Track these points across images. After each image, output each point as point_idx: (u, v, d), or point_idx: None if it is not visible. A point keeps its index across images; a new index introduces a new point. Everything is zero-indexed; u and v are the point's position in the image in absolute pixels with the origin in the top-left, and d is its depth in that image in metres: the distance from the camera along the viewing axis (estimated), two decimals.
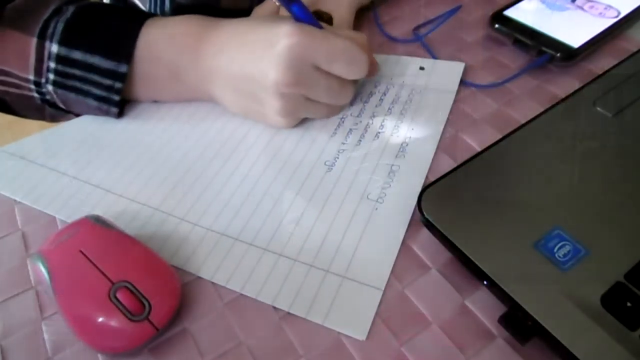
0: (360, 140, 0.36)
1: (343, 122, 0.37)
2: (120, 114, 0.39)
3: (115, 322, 0.25)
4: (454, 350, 0.25)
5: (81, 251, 0.27)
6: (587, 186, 0.29)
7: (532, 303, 0.24)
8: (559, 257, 0.26)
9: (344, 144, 0.36)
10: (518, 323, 0.24)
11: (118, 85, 0.35)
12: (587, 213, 0.28)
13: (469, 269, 0.27)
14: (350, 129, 0.37)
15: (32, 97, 0.37)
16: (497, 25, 0.42)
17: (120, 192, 0.34)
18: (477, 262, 0.26)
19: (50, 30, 0.35)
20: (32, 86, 0.36)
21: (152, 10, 0.48)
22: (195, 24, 0.36)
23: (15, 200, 0.34)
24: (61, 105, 0.38)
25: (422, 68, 0.41)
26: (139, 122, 0.39)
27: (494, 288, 0.25)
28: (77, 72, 0.35)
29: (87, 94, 0.36)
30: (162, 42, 0.35)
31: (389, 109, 0.38)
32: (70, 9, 0.35)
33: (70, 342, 0.27)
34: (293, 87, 0.32)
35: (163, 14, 0.47)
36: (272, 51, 0.31)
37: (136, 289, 0.25)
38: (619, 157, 0.30)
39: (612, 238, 0.26)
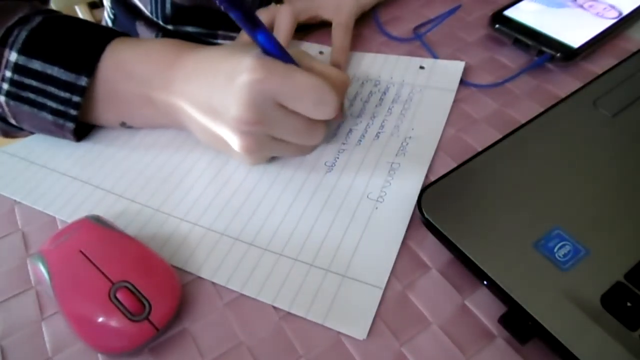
0: (360, 140, 0.36)
1: (343, 121, 0.37)
2: (80, 136, 0.37)
3: (116, 322, 0.25)
4: (454, 350, 0.25)
5: (81, 251, 0.27)
6: (587, 186, 0.29)
7: (532, 303, 0.24)
8: (559, 257, 0.26)
9: (344, 144, 0.36)
10: (518, 323, 0.24)
11: (76, 98, 0.33)
12: (587, 213, 0.28)
13: (469, 269, 0.27)
14: (351, 129, 0.37)
15: None
16: (497, 25, 0.42)
17: (120, 193, 0.34)
18: (477, 262, 0.26)
19: (12, 39, 0.33)
20: None
21: (154, 12, 0.48)
22: (170, 47, 0.34)
23: (15, 200, 0.34)
24: (11, 120, 0.36)
25: (422, 67, 0.41)
26: None
27: (494, 288, 0.25)
28: (33, 82, 0.33)
29: (42, 107, 0.33)
30: (132, 61, 0.33)
31: (389, 108, 0.38)
32: (37, 19, 0.33)
33: (70, 342, 0.27)
34: (254, 126, 0.29)
35: (164, 15, 0.47)
36: (233, 86, 0.28)
37: (136, 289, 0.25)
38: (619, 157, 0.30)
39: (612, 238, 0.26)
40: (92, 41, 0.33)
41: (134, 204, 0.33)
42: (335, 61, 0.41)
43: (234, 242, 0.30)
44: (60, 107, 0.33)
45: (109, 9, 0.56)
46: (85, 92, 0.33)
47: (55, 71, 0.32)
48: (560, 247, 0.26)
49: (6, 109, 0.35)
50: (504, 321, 0.25)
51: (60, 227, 0.33)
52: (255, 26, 0.28)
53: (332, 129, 0.36)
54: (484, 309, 0.27)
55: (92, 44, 0.33)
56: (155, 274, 0.27)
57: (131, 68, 0.33)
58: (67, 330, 0.27)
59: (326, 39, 0.45)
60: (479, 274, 0.26)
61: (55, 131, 0.35)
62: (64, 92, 0.33)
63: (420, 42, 0.44)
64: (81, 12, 0.97)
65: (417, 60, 0.41)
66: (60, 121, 0.34)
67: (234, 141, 0.30)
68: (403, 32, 0.45)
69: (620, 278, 0.25)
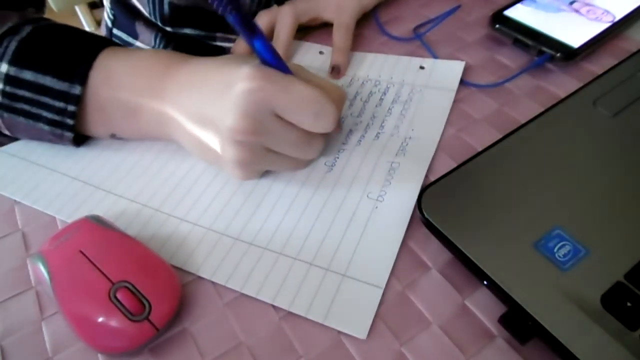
0: (360, 140, 0.36)
1: (343, 122, 0.37)
2: (79, 143, 0.36)
3: (116, 322, 0.25)
4: (454, 350, 0.25)
5: (81, 251, 0.27)
6: (587, 186, 0.29)
7: (532, 303, 0.24)
8: (559, 257, 0.26)
9: (344, 144, 0.36)
10: (518, 323, 0.24)
11: (71, 107, 0.32)
12: (587, 213, 0.28)
13: (469, 269, 0.27)
14: (351, 129, 0.37)
15: None
16: (497, 25, 0.42)
17: (120, 193, 0.34)
18: (477, 262, 0.26)
19: (1, 50, 0.32)
20: None
21: (152, 13, 0.48)
22: (161, 58, 0.33)
23: (15, 200, 0.34)
24: (6, 132, 0.36)
25: (422, 67, 0.41)
26: None
27: (494, 288, 0.25)
28: (26, 94, 0.32)
29: (38, 118, 0.33)
30: (122, 73, 0.33)
31: (389, 109, 0.38)
32: (27, 29, 0.33)
33: (70, 342, 0.27)
34: (250, 136, 0.28)
35: (162, 16, 0.47)
36: (230, 94, 0.28)
37: (136, 289, 0.25)
38: (619, 157, 0.30)
39: (612, 238, 0.26)
40: (84, 50, 0.33)
41: (133, 204, 0.33)
42: (336, 62, 0.41)
43: (234, 242, 0.30)
44: (56, 117, 0.33)
45: (108, 9, 0.56)
46: (79, 100, 0.32)
47: (48, 81, 0.32)
48: (560, 247, 0.26)
49: (0, 121, 0.34)
50: (504, 321, 0.25)
51: (60, 227, 0.33)
52: (252, 32, 0.27)
53: (331, 141, 0.36)
54: (484, 309, 0.27)
55: (83, 53, 0.33)
56: (155, 274, 0.27)
57: (120, 79, 0.33)
58: (67, 330, 0.27)
59: (326, 39, 0.45)
60: (479, 274, 0.26)
61: (54, 140, 0.35)
62: (59, 101, 0.32)
63: (421, 42, 0.44)
64: (81, 12, 0.97)
65: (417, 61, 0.41)
66: (58, 131, 0.34)
67: (228, 152, 0.29)
68: (403, 32, 0.45)
69: (620, 278, 0.25)
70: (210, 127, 0.29)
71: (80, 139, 0.37)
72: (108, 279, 0.26)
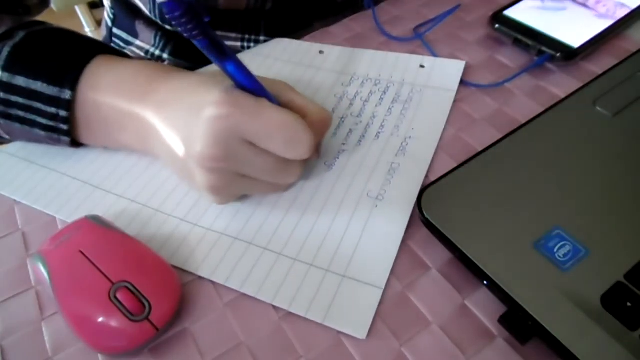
0: (360, 140, 0.36)
1: (343, 122, 0.37)
2: (78, 145, 0.36)
3: (116, 322, 0.25)
4: (454, 350, 0.25)
5: (81, 251, 0.27)
6: (587, 186, 0.29)
7: (532, 303, 0.24)
8: (559, 257, 0.26)
9: (344, 144, 0.36)
10: (518, 323, 0.24)
11: (63, 113, 0.32)
12: (587, 213, 0.28)
13: (469, 269, 0.27)
14: (350, 129, 0.37)
15: None
16: (497, 25, 0.42)
17: (120, 193, 0.34)
18: (477, 262, 0.26)
19: None
20: None
21: (152, 11, 0.48)
22: (147, 71, 0.32)
23: (15, 200, 0.34)
24: (5, 137, 0.36)
25: (422, 66, 0.41)
26: None
27: (494, 288, 0.25)
28: (20, 100, 0.32)
29: (32, 123, 0.33)
30: (108, 84, 0.32)
31: (389, 108, 0.38)
32: (20, 34, 0.33)
33: (70, 342, 0.27)
34: (220, 163, 0.27)
35: (162, 15, 0.47)
36: (199, 120, 0.27)
37: (136, 289, 0.25)
38: (619, 157, 0.30)
39: (612, 238, 0.26)
40: (76, 55, 0.33)
41: (133, 204, 0.33)
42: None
43: (234, 242, 0.30)
44: (50, 123, 0.32)
45: (109, 9, 0.56)
46: (70, 105, 0.32)
47: (38, 86, 0.31)
48: (560, 247, 0.26)
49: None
50: (504, 321, 0.25)
51: (60, 227, 0.33)
52: (223, 55, 0.25)
53: (310, 164, 0.34)
54: (484, 309, 0.27)
55: (75, 58, 0.32)
56: (155, 274, 0.27)
57: (105, 90, 0.32)
58: (67, 330, 0.27)
59: (326, 39, 0.45)
60: (479, 274, 0.26)
61: (53, 144, 0.35)
62: (50, 107, 0.32)
63: (421, 41, 0.44)
64: (81, 13, 0.97)
65: (418, 59, 0.41)
66: (55, 136, 0.33)
67: (199, 178, 0.28)
68: (403, 32, 0.45)
69: (620, 278, 0.25)
70: (182, 150, 0.28)
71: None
72: (108, 279, 0.26)
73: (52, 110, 0.32)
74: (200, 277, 0.29)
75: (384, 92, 0.39)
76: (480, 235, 0.27)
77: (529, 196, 0.29)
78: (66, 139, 0.34)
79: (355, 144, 0.35)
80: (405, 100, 0.38)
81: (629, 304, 0.24)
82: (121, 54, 0.35)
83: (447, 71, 0.40)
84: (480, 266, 0.26)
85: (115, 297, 0.25)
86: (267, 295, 0.28)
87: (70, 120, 0.33)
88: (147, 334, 0.25)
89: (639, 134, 0.32)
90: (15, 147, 0.38)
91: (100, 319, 0.25)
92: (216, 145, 0.26)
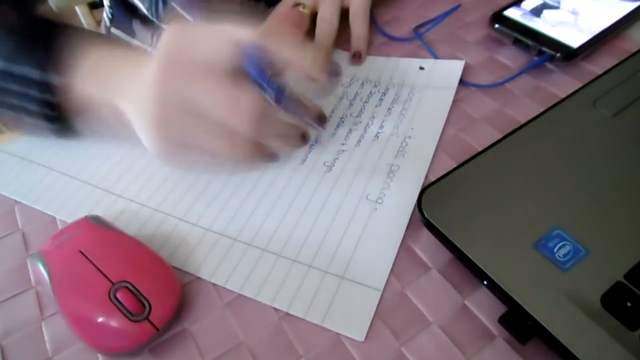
0: (360, 141, 0.36)
1: (343, 122, 0.37)
2: (67, 135, 0.36)
3: (116, 322, 0.25)
4: (454, 350, 0.25)
5: (81, 251, 0.27)
6: (587, 186, 0.29)
7: (532, 303, 0.24)
8: (559, 257, 0.26)
9: (343, 144, 0.36)
10: (518, 323, 0.24)
11: (50, 97, 0.32)
12: (587, 213, 0.28)
13: (469, 269, 0.27)
14: (350, 129, 0.37)
15: None
16: (497, 25, 0.42)
17: (119, 193, 0.34)
18: (477, 262, 0.26)
19: None
20: None
21: (149, 9, 0.48)
22: (117, 52, 0.32)
23: (15, 200, 0.34)
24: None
25: (421, 68, 0.41)
26: None
27: (494, 288, 0.25)
28: (14, 87, 0.32)
29: (21, 110, 0.33)
30: (85, 79, 0.32)
31: (388, 109, 0.38)
32: (18, 22, 0.33)
33: (70, 342, 0.27)
34: (163, 127, 0.27)
35: (158, 14, 0.48)
36: (145, 88, 0.27)
37: (136, 289, 0.25)
38: (619, 157, 0.30)
39: (612, 238, 0.26)
40: (64, 41, 0.32)
41: (133, 204, 0.33)
42: (357, 48, 0.42)
43: (233, 243, 0.30)
44: (38, 110, 0.32)
45: (107, 8, 0.56)
46: (57, 91, 0.31)
47: (31, 72, 0.31)
48: (560, 247, 0.26)
49: None
50: (504, 321, 0.25)
51: (60, 227, 0.33)
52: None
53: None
54: (484, 309, 0.27)
55: (66, 44, 0.32)
56: (155, 274, 0.27)
57: (83, 86, 0.32)
58: (67, 330, 0.27)
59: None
60: (479, 274, 0.26)
61: (39, 132, 0.34)
62: (40, 92, 0.32)
63: (421, 41, 0.44)
64: (81, 13, 0.97)
65: (417, 62, 0.41)
66: (43, 124, 0.33)
67: (146, 143, 0.29)
68: (403, 32, 0.45)
69: (620, 278, 0.25)
70: (131, 115, 0.29)
71: (71, 132, 0.36)
72: (108, 279, 0.26)
73: (40, 95, 0.32)
74: (199, 277, 0.29)
75: (384, 93, 0.39)
76: (480, 235, 0.27)
77: (529, 196, 0.29)
78: (49, 125, 0.33)
79: (354, 144, 0.35)
80: (404, 100, 0.38)
81: (629, 304, 0.24)
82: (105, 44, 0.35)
83: (447, 71, 0.40)
84: (480, 266, 0.26)
85: (115, 297, 0.25)
86: (267, 297, 0.28)
87: (58, 107, 0.32)
88: (147, 334, 0.25)
89: (639, 134, 0.32)
90: (15, 147, 0.38)
91: (100, 319, 0.25)
92: (155, 111, 0.27)
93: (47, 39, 0.33)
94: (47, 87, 0.32)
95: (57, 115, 0.33)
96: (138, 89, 0.28)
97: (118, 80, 0.31)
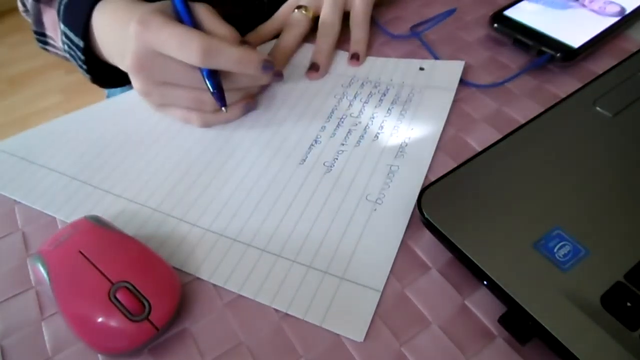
0: (360, 141, 0.36)
1: (342, 122, 0.37)
2: (111, 84, 0.44)
3: (116, 322, 0.25)
4: (454, 350, 0.25)
5: (80, 252, 0.27)
6: (587, 186, 0.29)
7: (532, 303, 0.24)
8: (559, 257, 0.26)
9: (343, 144, 0.36)
10: (518, 323, 0.24)
11: (84, 58, 0.40)
12: (587, 213, 0.28)
13: (469, 269, 0.27)
14: (350, 130, 0.37)
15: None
16: (497, 25, 0.42)
17: (119, 193, 0.34)
18: (477, 262, 0.26)
19: (58, 8, 0.40)
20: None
21: None
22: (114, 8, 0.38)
23: (15, 200, 0.35)
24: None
25: (421, 69, 0.41)
26: (139, 122, 0.39)
27: (494, 288, 0.25)
28: (71, 45, 0.40)
29: (79, 66, 0.42)
30: (99, 30, 0.38)
31: (388, 109, 0.38)
32: None
33: (70, 342, 0.27)
34: (141, 71, 0.34)
35: None
36: (128, 36, 0.33)
37: (136, 289, 0.25)
38: (618, 157, 0.30)
39: (612, 238, 0.26)
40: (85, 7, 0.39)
41: (132, 204, 0.33)
42: (355, 50, 0.42)
43: (233, 243, 0.30)
44: (82, 65, 0.41)
45: None
46: (83, 51, 0.39)
47: (73, 37, 0.39)
48: (560, 247, 0.26)
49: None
50: (504, 321, 0.25)
51: (60, 227, 0.33)
52: None
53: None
54: (484, 309, 0.27)
55: (84, 9, 0.38)
56: (155, 274, 0.27)
57: (99, 35, 0.39)
58: (67, 330, 0.27)
59: None
60: (479, 274, 0.26)
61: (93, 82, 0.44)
62: (81, 53, 0.39)
63: (420, 41, 0.44)
64: None
65: (417, 62, 0.41)
66: (88, 76, 0.42)
67: (133, 83, 0.36)
68: (404, 32, 0.45)
69: (620, 278, 0.25)
70: (122, 63, 0.36)
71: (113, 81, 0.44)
72: (108, 279, 0.26)
73: (79, 54, 0.40)
74: (199, 278, 0.29)
75: (384, 94, 0.39)
76: (480, 235, 0.27)
77: (529, 196, 0.29)
78: (89, 76, 0.42)
79: (354, 145, 0.35)
80: (404, 101, 0.38)
81: (629, 304, 0.24)
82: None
83: (447, 72, 0.40)
84: (480, 266, 0.26)
85: (115, 297, 0.25)
86: (266, 298, 0.28)
87: (86, 62, 0.40)
88: (147, 334, 0.25)
89: (639, 134, 0.32)
90: (14, 146, 0.38)
91: (100, 319, 0.25)
92: (135, 57, 0.33)
93: (80, 3, 0.39)
94: (80, 50, 0.39)
95: (95, 73, 0.42)
96: (120, 41, 0.35)
97: (111, 46, 0.38)
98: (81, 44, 0.38)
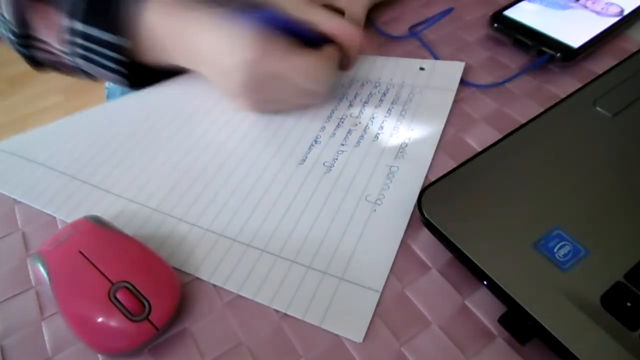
0: (360, 141, 0.36)
1: (342, 122, 0.37)
2: (140, 83, 0.41)
3: (116, 322, 0.25)
4: (454, 350, 0.25)
5: (80, 252, 0.27)
6: (587, 186, 0.29)
7: (532, 303, 0.24)
8: (559, 257, 0.26)
9: (343, 144, 0.36)
10: (518, 323, 0.24)
11: (123, 58, 0.37)
12: (587, 213, 0.28)
13: (469, 269, 0.27)
14: (350, 130, 0.37)
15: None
16: (497, 25, 0.42)
17: (119, 192, 0.34)
18: (477, 262, 0.26)
19: (74, 8, 0.37)
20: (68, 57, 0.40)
21: None
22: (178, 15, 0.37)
23: (15, 200, 0.34)
24: (92, 77, 0.42)
25: (422, 69, 0.41)
26: (139, 122, 0.39)
27: (494, 288, 0.25)
28: (95, 46, 0.37)
29: (103, 66, 0.39)
30: (158, 28, 0.37)
31: (388, 109, 0.38)
32: None
33: (70, 342, 0.27)
34: (253, 94, 0.36)
35: None
36: (234, 57, 0.33)
37: (136, 289, 0.25)
38: (618, 157, 0.30)
39: (612, 238, 0.26)
40: (129, 6, 0.37)
41: (132, 204, 0.33)
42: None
43: (232, 243, 0.30)
44: (115, 67, 0.38)
45: None
46: (126, 51, 0.37)
47: (105, 35, 0.36)
48: (560, 247, 0.26)
49: (85, 68, 0.40)
50: (504, 321, 0.25)
51: (60, 227, 0.33)
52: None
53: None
54: (484, 309, 0.27)
55: (130, 9, 0.36)
56: (155, 274, 0.27)
57: (154, 51, 0.38)
58: (67, 330, 0.27)
59: None
60: (479, 274, 0.26)
61: (121, 84, 0.41)
62: (117, 53, 0.37)
63: (420, 41, 0.44)
64: None
65: (417, 62, 0.41)
66: (119, 79, 0.39)
67: (240, 101, 0.37)
68: (403, 32, 0.45)
69: (620, 278, 0.25)
70: (224, 76, 0.36)
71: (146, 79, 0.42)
72: (107, 279, 0.26)
73: (116, 55, 0.37)
74: (199, 277, 0.29)
75: (384, 94, 0.39)
76: (480, 235, 0.27)
77: (529, 196, 0.29)
78: (126, 81, 0.40)
79: (354, 145, 0.35)
80: (405, 101, 0.38)
81: (628, 304, 0.24)
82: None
83: (447, 72, 0.40)
84: (480, 266, 0.26)
85: (115, 297, 0.25)
86: (265, 298, 0.28)
87: (125, 64, 0.38)
88: (147, 334, 0.25)
89: (639, 134, 0.32)
90: (14, 145, 0.38)
91: (100, 319, 0.25)
92: (248, 84, 0.34)
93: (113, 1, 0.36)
94: (119, 49, 0.37)
95: (131, 73, 0.39)
96: (219, 58, 0.34)
97: (183, 46, 0.36)
98: (122, 42, 0.36)
